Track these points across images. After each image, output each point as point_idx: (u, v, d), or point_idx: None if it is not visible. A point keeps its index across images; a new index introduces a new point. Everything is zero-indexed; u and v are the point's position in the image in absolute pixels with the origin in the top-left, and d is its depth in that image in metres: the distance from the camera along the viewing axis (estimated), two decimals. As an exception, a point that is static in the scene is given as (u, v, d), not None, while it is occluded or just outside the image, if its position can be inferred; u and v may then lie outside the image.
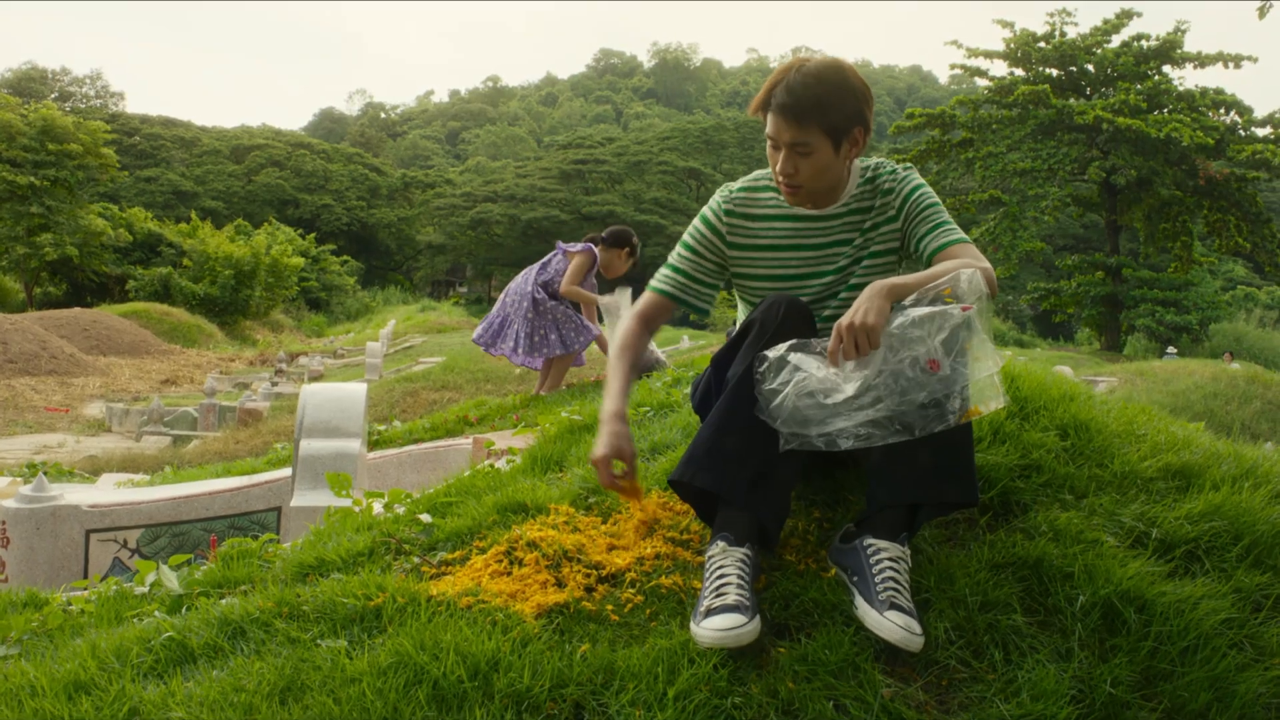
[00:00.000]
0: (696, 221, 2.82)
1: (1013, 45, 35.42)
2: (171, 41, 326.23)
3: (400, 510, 3.17)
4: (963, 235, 2.62)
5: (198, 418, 15.27)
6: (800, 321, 2.42)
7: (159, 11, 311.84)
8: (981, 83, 37.12)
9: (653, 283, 2.79)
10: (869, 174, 2.76)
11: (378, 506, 3.29)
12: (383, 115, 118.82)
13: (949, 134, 35.46)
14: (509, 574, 2.37)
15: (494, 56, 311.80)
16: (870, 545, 2.22)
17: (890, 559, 2.18)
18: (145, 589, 2.82)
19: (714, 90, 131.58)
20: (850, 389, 2.13)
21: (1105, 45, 34.99)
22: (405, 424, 6.42)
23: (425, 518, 2.77)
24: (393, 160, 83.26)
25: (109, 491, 5.46)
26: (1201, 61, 34.26)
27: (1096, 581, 2.28)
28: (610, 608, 2.24)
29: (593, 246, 6.66)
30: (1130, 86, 33.47)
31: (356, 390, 4.60)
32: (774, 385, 2.20)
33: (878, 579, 2.15)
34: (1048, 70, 35.60)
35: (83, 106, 62.13)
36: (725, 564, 2.19)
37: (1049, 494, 2.69)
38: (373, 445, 5.87)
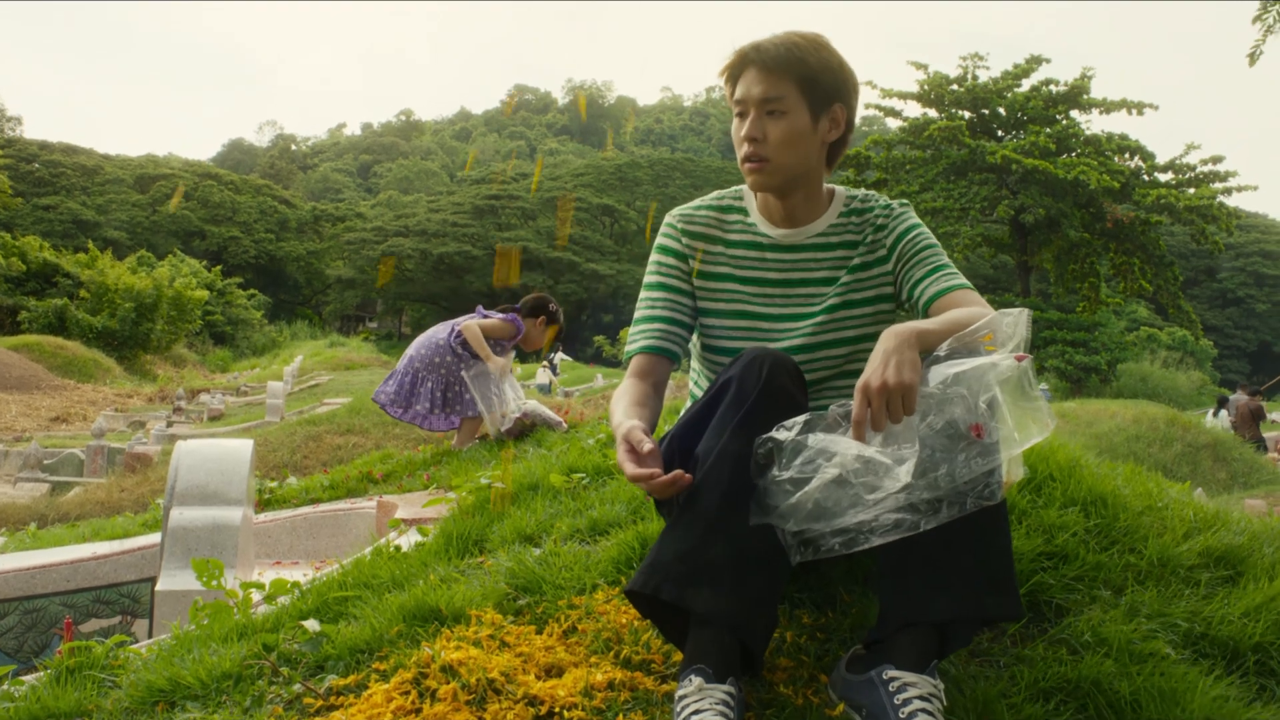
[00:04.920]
0: (655, 256, 2.31)
1: (926, 87, 35.76)
2: (75, 68, 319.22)
3: (284, 601, 2.60)
4: (965, 281, 2.17)
5: (84, 460, 14.28)
6: (789, 381, 1.92)
7: (60, 36, 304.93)
8: (894, 123, 37.43)
9: (631, 344, 2.27)
10: (856, 204, 2.30)
11: (256, 596, 2.71)
12: (293, 147, 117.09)
13: (863, 174, 35.60)
14: (418, 712, 1.81)
15: (407, 90, 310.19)
16: (892, 679, 1.70)
17: (921, 698, 1.67)
18: (-54, 718, 2.19)
19: (628, 128, 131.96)
20: (904, 474, 1.62)
21: (1015, 89, 35.53)
22: (301, 480, 5.77)
23: (312, 625, 2.19)
24: (303, 193, 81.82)
25: (-49, 560, 4.74)
26: (1107, 108, 34.95)
27: (1171, 714, 1.79)
28: (552, 762, 1.69)
29: (518, 318, 6.08)
30: (1040, 129, 34.00)
31: (239, 449, 3.97)
32: (789, 475, 1.67)
33: (908, 727, 1.63)
34: (960, 112, 36.00)
35: (-24, 132, 59.88)
36: (703, 708, 1.65)
37: (1083, 590, 2.21)
38: (264, 504, 5.22)
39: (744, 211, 2.31)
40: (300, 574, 4.59)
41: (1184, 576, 2.32)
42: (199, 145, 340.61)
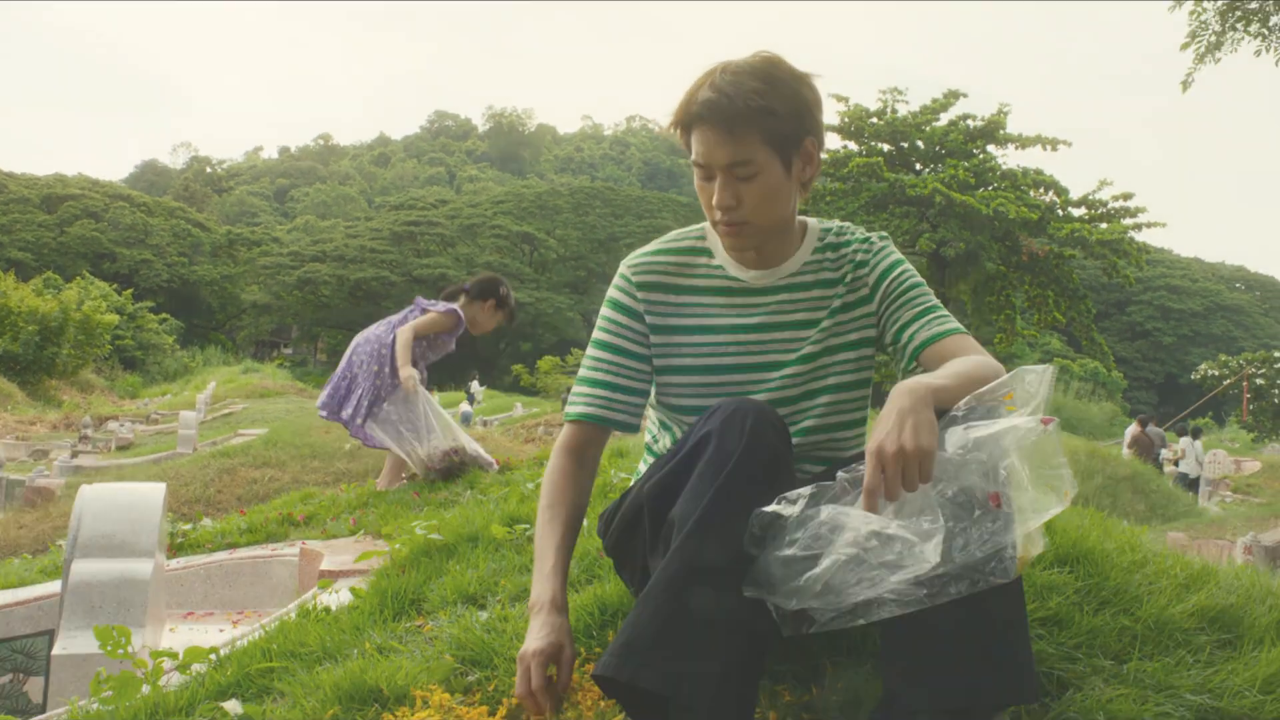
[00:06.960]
0: (605, 311, 2.08)
1: (847, 120, 36.16)
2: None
3: (200, 669, 2.33)
4: (959, 326, 1.99)
5: (-18, 493, 13.62)
6: (774, 436, 1.73)
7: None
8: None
9: (570, 409, 2.05)
10: (830, 238, 2.11)
11: (168, 665, 2.44)
12: (209, 170, 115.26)
13: (786, 205, 35.87)
14: (358, 817, 1.58)
15: (326, 114, 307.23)
16: (902, 775, 1.51)
17: (936, 797, 1.48)
18: None
19: (548, 155, 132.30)
20: (932, 553, 1.44)
21: (934, 123, 36.11)
22: (216, 522, 5.43)
23: (233, 706, 1.94)
24: (218, 216, 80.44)
25: None
26: (1022, 143, 35.65)
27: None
28: None
29: (458, 310, 5.75)
30: (958, 163, 34.59)
31: (150, 494, 3.66)
32: (794, 552, 1.48)
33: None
34: (880, 145, 36.49)
35: (-127, 148, 57.85)
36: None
37: (1083, 659, 2.04)
38: (176, 549, 4.89)
39: (708, 253, 2.09)
40: (216, 627, 4.29)
41: (1182, 641, 2.18)
42: (111, 166, 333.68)
